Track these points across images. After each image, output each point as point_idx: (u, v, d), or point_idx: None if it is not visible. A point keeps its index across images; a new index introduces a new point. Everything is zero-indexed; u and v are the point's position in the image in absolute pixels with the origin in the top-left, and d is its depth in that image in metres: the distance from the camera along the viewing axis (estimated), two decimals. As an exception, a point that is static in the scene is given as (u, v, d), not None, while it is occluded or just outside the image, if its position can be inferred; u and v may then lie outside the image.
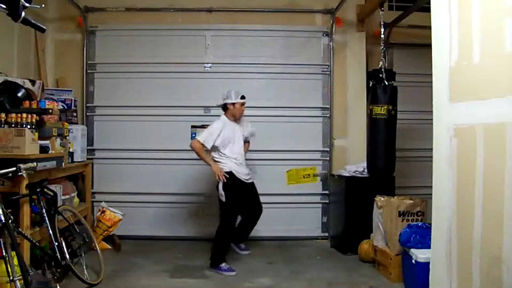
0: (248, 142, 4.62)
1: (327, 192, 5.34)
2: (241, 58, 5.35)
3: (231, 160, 4.25)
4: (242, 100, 4.32)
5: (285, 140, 5.34)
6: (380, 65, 4.41)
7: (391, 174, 4.55)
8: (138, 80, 5.33)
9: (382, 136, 4.35)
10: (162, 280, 3.83)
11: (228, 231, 4.21)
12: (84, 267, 3.62)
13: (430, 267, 2.46)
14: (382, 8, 4.50)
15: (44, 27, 1.89)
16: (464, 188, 2.13)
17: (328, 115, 5.39)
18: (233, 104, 4.30)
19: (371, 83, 4.50)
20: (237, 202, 4.22)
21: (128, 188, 5.27)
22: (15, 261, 2.54)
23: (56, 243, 3.34)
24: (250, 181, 4.40)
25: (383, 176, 4.55)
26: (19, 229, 3.05)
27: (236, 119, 4.36)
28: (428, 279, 2.46)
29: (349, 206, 4.64)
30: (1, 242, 2.56)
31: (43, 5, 2.12)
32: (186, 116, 5.24)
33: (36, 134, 3.65)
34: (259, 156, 5.24)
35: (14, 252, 2.55)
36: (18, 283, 2.49)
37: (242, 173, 4.30)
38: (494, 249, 1.89)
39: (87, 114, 5.32)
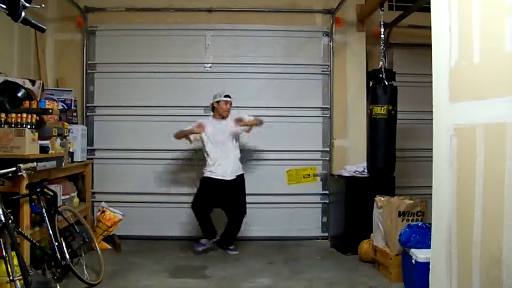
0: (248, 125, 4.71)
1: (327, 192, 5.34)
2: (241, 58, 5.35)
3: (212, 163, 4.61)
4: (226, 99, 4.65)
5: (285, 140, 5.34)
6: (380, 65, 4.40)
7: (391, 174, 4.55)
8: (138, 80, 5.33)
9: (382, 136, 4.35)
10: (162, 280, 3.83)
11: (198, 217, 4.69)
12: (84, 267, 3.62)
13: (430, 267, 2.45)
14: (382, 8, 4.50)
15: (44, 27, 1.89)
16: (464, 188, 2.13)
17: (328, 115, 5.39)
18: (218, 102, 4.67)
19: (371, 83, 4.50)
20: (203, 200, 4.63)
21: (128, 188, 5.27)
22: (15, 261, 2.54)
23: (56, 243, 3.34)
24: (232, 177, 4.60)
25: (383, 176, 4.55)
26: (19, 229, 3.05)
27: (224, 117, 4.68)
28: (428, 279, 2.46)
29: (349, 206, 4.64)
30: (1, 242, 2.55)
31: (43, 5, 2.12)
32: (186, 116, 5.23)
33: (36, 134, 3.64)
34: (259, 156, 5.24)
35: (14, 252, 2.55)
36: (18, 283, 2.49)
37: (222, 173, 4.58)
38: (494, 249, 1.89)
39: (87, 114, 5.33)
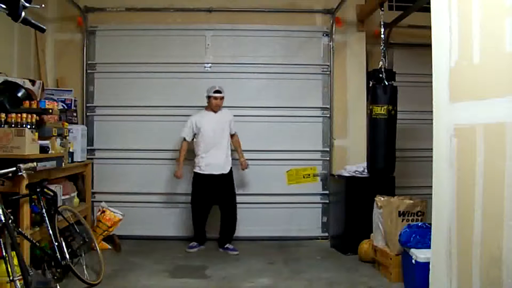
0: (235, 135, 4.93)
1: (327, 192, 5.34)
2: (241, 58, 5.35)
3: (202, 155, 4.73)
4: (215, 94, 4.73)
5: (285, 140, 5.34)
6: (380, 65, 4.40)
7: (391, 174, 4.54)
8: (138, 80, 5.33)
9: (382, 136, 4.35)
10: (162, 280, 3.83)
11: (194, 216, 4.87)
12: (84, 267, 3.62)
13: (430, 267, 2.46)
14: (382, 8, 4.49)
15: (44, 27, 1.89)
16: (464, 188, 2.13)
17: (328, 115, 5.39)
18: (209, 97, 4.77)
19: (371, 83, 4.50)
20: (198, 198, 4.79)
21: (128, 188, 5.27)
22: (15, 261, 2.54)
23: (56, 243, 3.34)
24: (221, 172, 4.71)
25: (383, 176, 4.55)
26: (19, 229, 3.05)
27: (214, 111, 4.80)
28: (428, 279, 2.46)
29: (349, 206, 4.64)
30: (1, 242, 2.55)
31: (43, 5, 2.12)
32: (186, 116, 5.21)
33: (36, 134, 3.64)
34: (259, 156, 5.24)
35: (14, 252, 2.55)
36: (18, 283, 2.49)
37: (211, 167, 4.70)
38: (494, 249, 1.89)
39: (87, 114, 5.33)
